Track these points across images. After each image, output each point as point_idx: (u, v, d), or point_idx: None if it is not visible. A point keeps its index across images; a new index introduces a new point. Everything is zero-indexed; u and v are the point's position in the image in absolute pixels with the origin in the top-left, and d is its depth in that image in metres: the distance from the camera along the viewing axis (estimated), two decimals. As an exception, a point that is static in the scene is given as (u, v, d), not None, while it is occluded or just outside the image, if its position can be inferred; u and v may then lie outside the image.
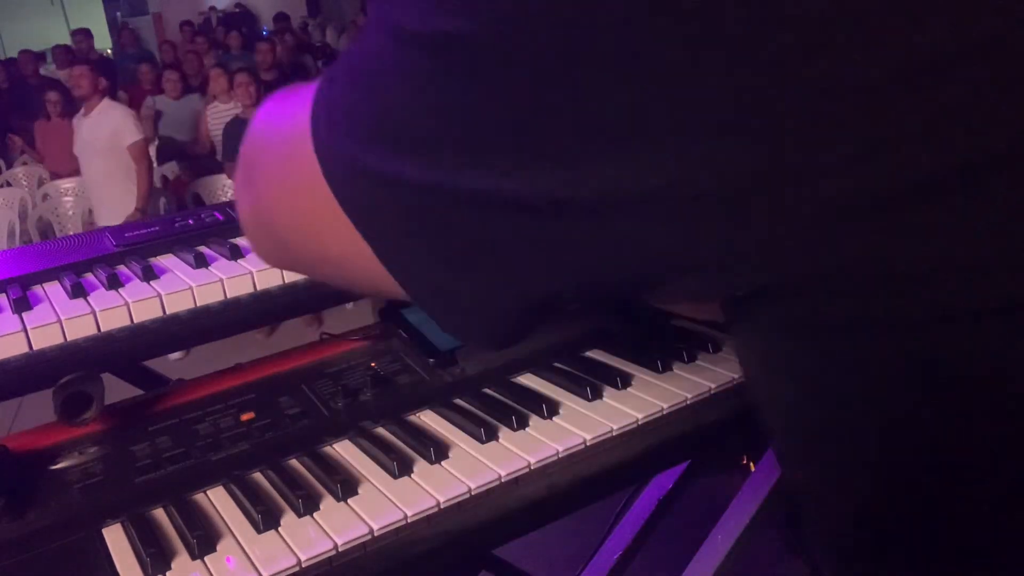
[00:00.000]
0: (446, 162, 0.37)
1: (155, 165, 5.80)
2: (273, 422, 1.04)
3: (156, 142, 5.99)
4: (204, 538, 0.85)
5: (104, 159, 4.54)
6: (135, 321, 1.02)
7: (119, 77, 8.29)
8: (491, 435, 1.00)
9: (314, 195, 0.42)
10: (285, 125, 0.45)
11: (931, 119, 0.31)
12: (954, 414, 0.36)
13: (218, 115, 5.40)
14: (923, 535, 0.40)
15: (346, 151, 0.40)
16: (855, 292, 0.35)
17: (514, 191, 0.36)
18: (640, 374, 1.12)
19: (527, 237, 0.38)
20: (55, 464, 0.97)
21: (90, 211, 5.00)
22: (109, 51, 11.83)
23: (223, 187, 5.20)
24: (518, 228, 0.38)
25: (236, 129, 4.79)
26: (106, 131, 4.53)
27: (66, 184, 5.56)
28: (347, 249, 0.43)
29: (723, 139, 0.32)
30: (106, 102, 4.64)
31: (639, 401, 1.06)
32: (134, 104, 6.66)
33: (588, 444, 0.99)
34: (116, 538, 0.88)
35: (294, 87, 0.47)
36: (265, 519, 0.87)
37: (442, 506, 0.90)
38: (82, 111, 4.69)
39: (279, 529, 0.87)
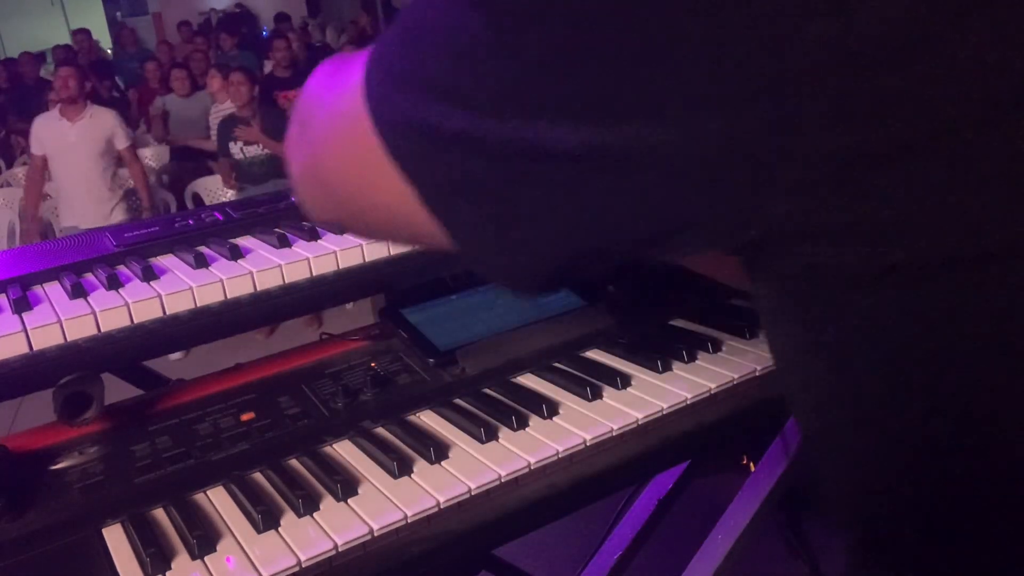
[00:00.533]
0: (489, 113, 0.39)
1: (163, 163, 5.81)
2: (273, 422, 1.04)
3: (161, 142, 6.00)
4: (204, 538, 0.85)
5: (94, 162, 4.47)
6: (135, 321, 1.02)
7: (115, 77, 8.29)
8: (491, 435, 1.00)
9: (363, 144, 0.45)
10: (339, 83, 0.48)
11: (926, 78, 0.33)
12: (967, 364, 0.37)
13: (219, 115, 5.39)
14: (944, 499, 0.41)
15: (393, 101, 0.43)
16: (866, 241, 0.36)
17: (551, 140, 0.38)
18: (640, 374, 1.12)
19: (562, 186, 0.40)
20: (55, 464, 0.97)
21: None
22: (109, 51, 11.82)
23: (222, 187, 5.19)
24: (554, 178, 0.40)
25: (227, 127, 4.79)
26: (100, 134, 4.49)
27: (66, 184, 5.52)
28: (393, 196, 0.45)
29: (746, 106, 0.35)
30: (92, 106, 4.58)
31: (639, 401, 1.06)
32: (143, 104, 6.64)
33: (588, 444, 0.99)
34: (116, 538, 0.88)
35: (349, 54, 0.50)
36: (265, 519, 0.87)
37: (442, 506, 0.90)
38: (56, 112, 4.53)
39: (279, 529, 0.87)
